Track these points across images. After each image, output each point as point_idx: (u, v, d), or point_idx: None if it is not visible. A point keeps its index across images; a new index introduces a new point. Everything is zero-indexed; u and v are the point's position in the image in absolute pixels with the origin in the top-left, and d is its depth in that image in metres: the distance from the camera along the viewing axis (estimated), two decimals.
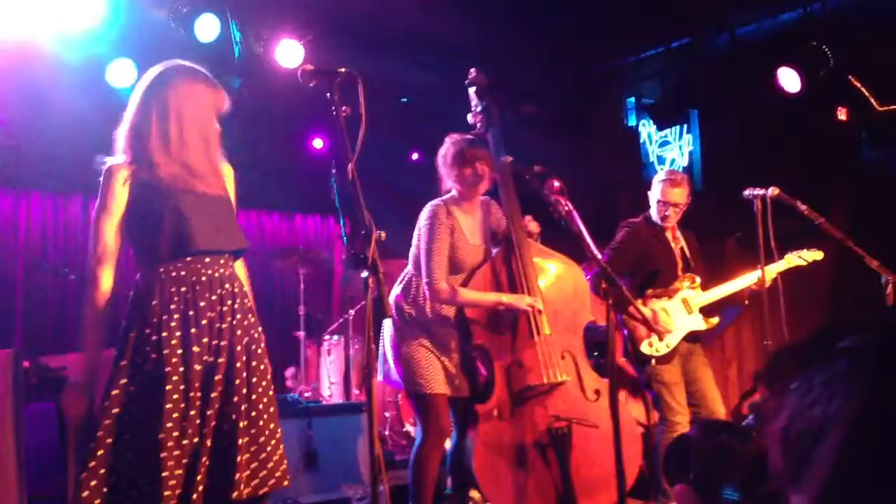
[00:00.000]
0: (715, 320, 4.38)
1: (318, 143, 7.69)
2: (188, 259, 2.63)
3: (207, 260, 2.65)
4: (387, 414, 5.44)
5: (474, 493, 4.02)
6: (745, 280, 4.29)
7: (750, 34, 6.35)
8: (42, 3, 5.05)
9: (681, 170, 7.76)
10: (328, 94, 2.43)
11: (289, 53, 5.97)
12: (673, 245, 4.43)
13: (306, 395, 5.65)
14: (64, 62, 5.56)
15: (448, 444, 3.92)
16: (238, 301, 2.69)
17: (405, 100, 7.04)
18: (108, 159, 2.69)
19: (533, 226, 3.76)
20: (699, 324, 4.32)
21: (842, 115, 6.83)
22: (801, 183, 5.82)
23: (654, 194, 4.39)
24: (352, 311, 6.00)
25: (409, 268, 3.73)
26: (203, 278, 2.64)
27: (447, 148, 3.73)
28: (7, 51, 5.18)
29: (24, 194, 6.79)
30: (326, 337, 6.16)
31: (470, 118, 3.83)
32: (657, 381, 4.25)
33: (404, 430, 5.36)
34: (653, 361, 4.24)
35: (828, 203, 6.51)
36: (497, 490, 3.56)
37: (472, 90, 3.82)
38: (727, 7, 6.20)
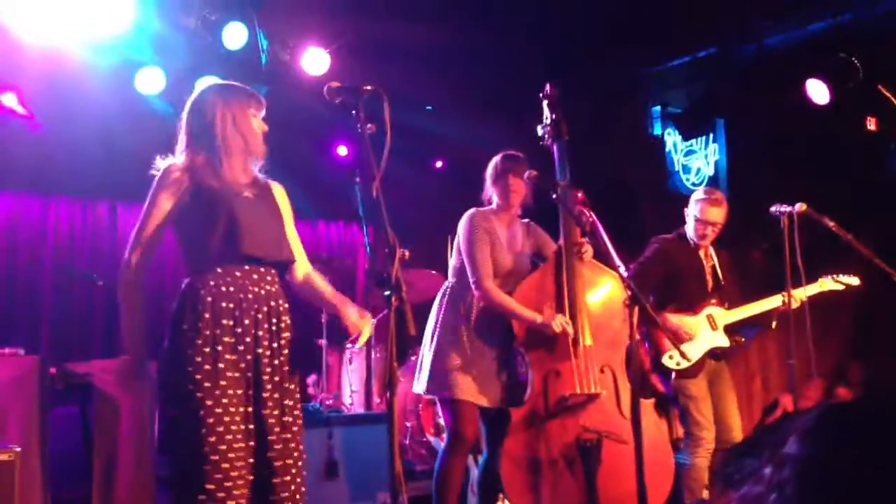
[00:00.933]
0: (740, 339, 4.34)
1: (342, 151, 7.72)
2: (237, 274, 2.69)
3: (255, 276, 2.72)
4: (407, 424, 5.44)
5: None
6: (772, 301, 4.23)
7: (777, 44, 6.29)
8: (72, 10, 5.11)
9: (706, 179, 7.73)
10: (353, 112, 2.44)
11: (315, 61, 6.01)
12: (704, 263, 4.40)
13: (328, 402, 5.67)
14: (93, 68, 5.63)
15: (471, 461, 3.92)
16: (282, 319, 2.77)
17: (430, 108, 7.04)
18: (167, 159, 2.78)
19: (587, 253, 3.76)
20: (723, 340, 4.29)
21: (871, 125, 6.76)
22: (829, 194, 5.76)
23: (693, 213, 4.35)
24: (374, 320, 5.99)
25: (451, 279, 3.83)
26: (250, 295, 2.70)
27: (492, 162, 3.88)
28: (37, 57, 5.25)
29: (52, 200, 6.86)
30: (348, 345, 6.17)
31: (539, 130, 3.94)
32: (683, 395, 4.23)
33: (424, 439, 5.36)
34: (673, 375, 4.21)
35: (856, 214, 6.45)
36: (521, 495, 3.58)
37: (545, 103, 3.94)
38: (754, 17, 6.15)
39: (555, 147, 3.88)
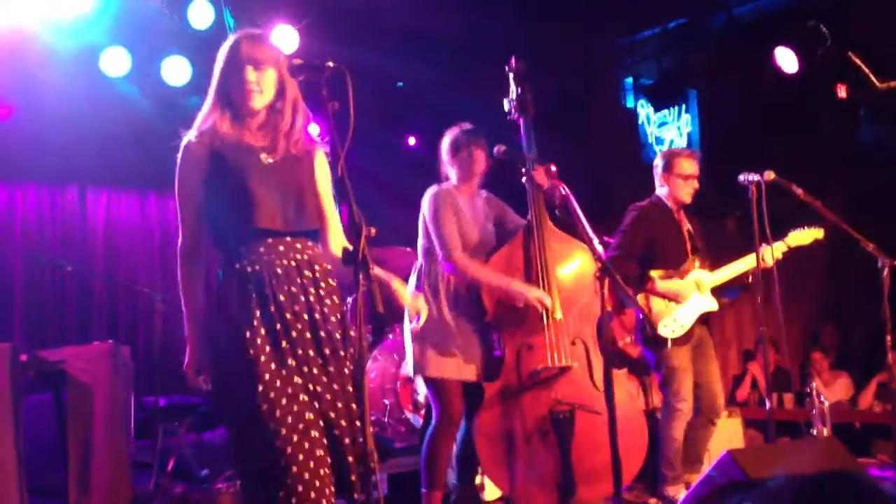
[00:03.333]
0: (724, 300, 4.41)
1: (313, 129, 7.65)
2: (261, 250, 2.51)
3: (282, 248, 2.54)
4: (386, 401, 5.45)
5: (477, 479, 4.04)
6: (752, 260, 4.22)
7: (747, 14, 6.30)
8: None
9: None
10: (318, 89, 2.42)
11: (283, 39, 5.93)
12: (682, 227, 4.42)
13: None
14: (57, 50, 5.54)
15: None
16: (321, 285, 2.57)
17: (400, 84, 7.00)
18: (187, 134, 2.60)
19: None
20: (711, 304, 4.33)
21: (841, 92, 6.80)
22: (801, 161, 5.80)
23: (676, 172, 4.36)
24: (349, 300, 5.97)
25: (420, 260, 3.80)
26: (279, 270, 2.52)
27: (446, 138, 3.86)
28: None
29: (19, 186, 6.78)
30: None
31: (506, 104, 3.94)
32: (666, 366, 4.22)
33: (403, 417, 5.38)
34: (668, 343, 4.21)
35: (827, 181, 6.51)
36: (497, 469, 3.62)
37: (510, 77, 3.94)
38: None
39: (521, 121, 3.89)
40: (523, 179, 3.79)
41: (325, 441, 2.45)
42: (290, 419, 2.40)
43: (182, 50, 5.90)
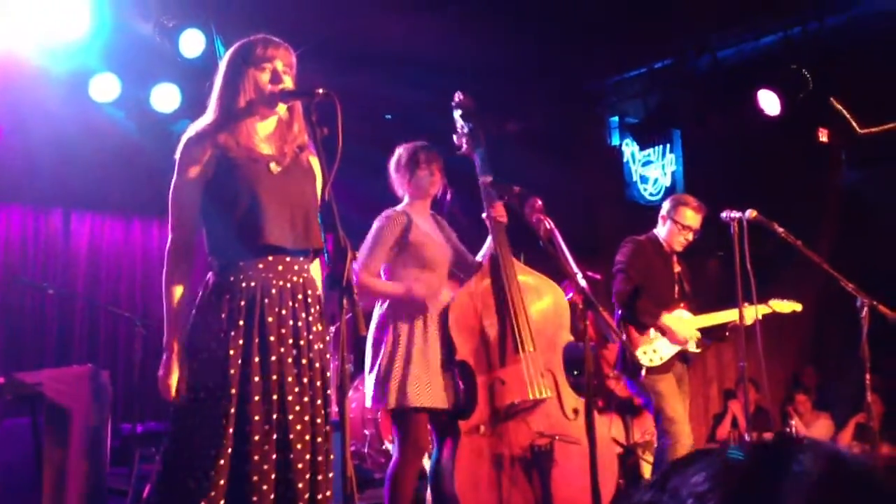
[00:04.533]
0: (704, 343, 4.44)
1: None
2: (260, 266, 2.46)
3: (280, 268, 2.49)
4: (366, 432, 5.41)
5: None
6: (733, 314, 4.25)
7: (731, 56, 6.42)
8: (26, 15, 5.04)
9: (663, 189, 7.84)
10: (306, 115, 2.43)
11: None
12: (674, 269, 4.45)
13: None
14: (47, 75, 5.54)
15: (427, 462, 3.90)
16: (311, 311, 2.55)
17: (388, 117, 7.05)
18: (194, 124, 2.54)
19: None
20: (690, 344, 4.34)
21: (823, 136, 6.92)
22: (783, 203, 5.88)
23: (675, 218, 4.39)
24: (332, 328, 5.95)
25: None
26: (273, 290, 2.47)
27: (399, 154, 3.78)
28: None
29: (3, 207, 6.73)
30: None
31: (455, 139, 3.85)
32: (654, 392, 4.22)
33: (384, 447, 5.33)
34: (643, 371, 4.22)
35: (809, 223, 6.60)
36: None
37: (457, 113, 3.84)
38: (709, 29, 6.27)
39: (476, 156, 3.78)
40: (483, 215, 3.72)
41: (272, 475, 2.41)
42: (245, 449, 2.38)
43: (172, 77, 5.92)
